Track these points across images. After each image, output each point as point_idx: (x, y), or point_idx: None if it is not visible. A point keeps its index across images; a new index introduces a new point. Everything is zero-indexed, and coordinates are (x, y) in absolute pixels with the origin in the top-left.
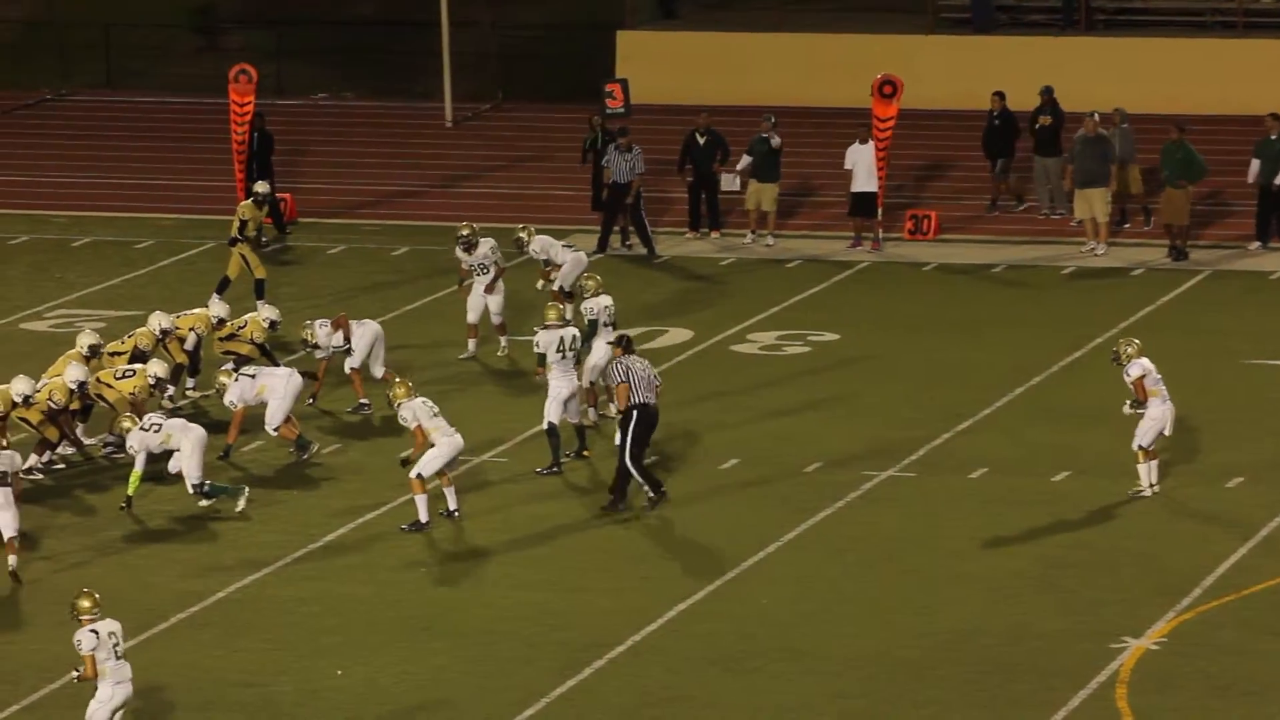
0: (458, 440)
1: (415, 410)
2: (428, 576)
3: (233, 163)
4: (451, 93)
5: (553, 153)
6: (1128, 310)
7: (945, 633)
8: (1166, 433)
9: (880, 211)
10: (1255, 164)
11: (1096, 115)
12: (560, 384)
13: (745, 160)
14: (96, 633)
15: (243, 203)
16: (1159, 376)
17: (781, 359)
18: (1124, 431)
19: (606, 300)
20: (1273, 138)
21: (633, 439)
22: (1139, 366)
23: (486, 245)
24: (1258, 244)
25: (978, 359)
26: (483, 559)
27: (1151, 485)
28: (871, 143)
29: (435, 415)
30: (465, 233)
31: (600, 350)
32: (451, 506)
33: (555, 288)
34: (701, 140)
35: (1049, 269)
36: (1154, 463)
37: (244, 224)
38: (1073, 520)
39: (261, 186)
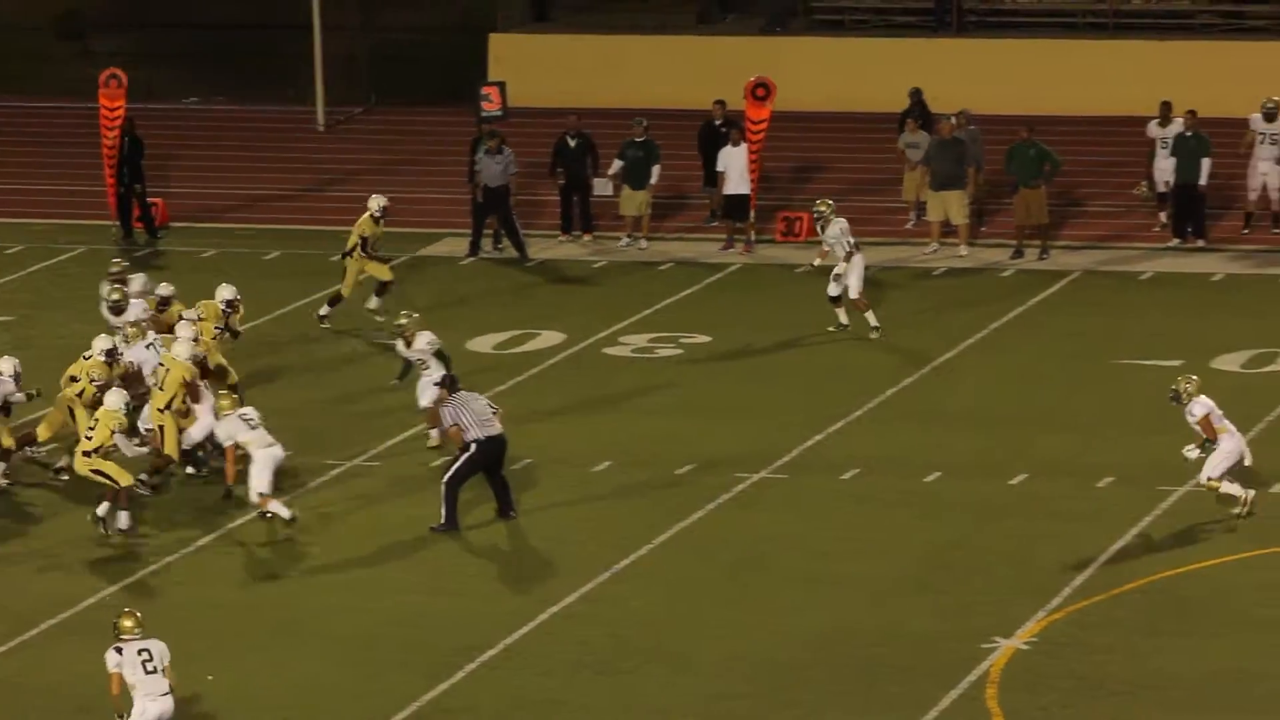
0: (276, 451)
1: (232, 428)
2: (299, 580)
3: (103, 167)
4: (323, 96)
5: (426, 156)
6: (998, 311)
7: (817, 634)
8: (1247, 462)
9: (753, 214)
10: (1171, 162)
11: (953, 118)
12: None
13: (617, 165)
14: (120, 650)
15: (361, 218)
16: (1220, 412)
17: (654, 361)
18: (993, 433)
19: (429, 336)
20: (1186, 134)
21: (461, 466)
22: (1202, 405)
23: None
24: (1176, 240)
25: (849, 360)
26: (356, 563)
27: (1245, 503)
28: (744, 145)
29: (255, 428)
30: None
31: (429, 391)
32: (286, 516)
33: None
34: (572, 143)
35: (920, 270)
36: (1229, 482)
37: (364, 241)
38: (945, 521)
39: (376, 201)
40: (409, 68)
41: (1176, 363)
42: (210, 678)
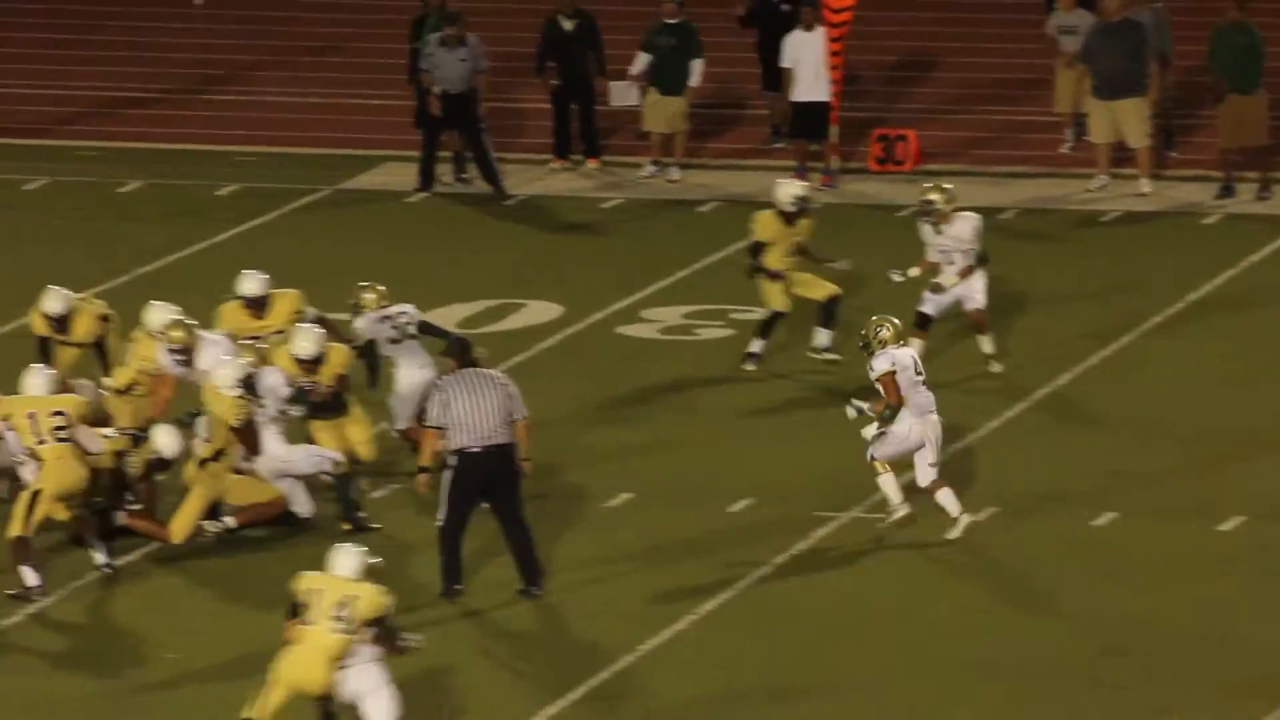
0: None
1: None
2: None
3: None
4: None
5: (349, 44)
6: (1198, 276)
7: None
8: (931, 460)
9: (835, 130)
10: None
11: None
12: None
13: (642, 60)
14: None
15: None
16: (920, 376)
17: (692, 346)
18: (1186, 455)
19: (402, 308)
20: None
21: (449, 503)
22: (888, 359)
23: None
24: None
25: (970, 348)
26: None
27: (955, 519)
28: (821, 30)
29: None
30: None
31: (412, 376)
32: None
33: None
34: (568, 26)
35: (1081, 214)
36: (947, 491)
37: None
38: (1122, 583)
39: (793, 189)
40: None
41: None
42: None
